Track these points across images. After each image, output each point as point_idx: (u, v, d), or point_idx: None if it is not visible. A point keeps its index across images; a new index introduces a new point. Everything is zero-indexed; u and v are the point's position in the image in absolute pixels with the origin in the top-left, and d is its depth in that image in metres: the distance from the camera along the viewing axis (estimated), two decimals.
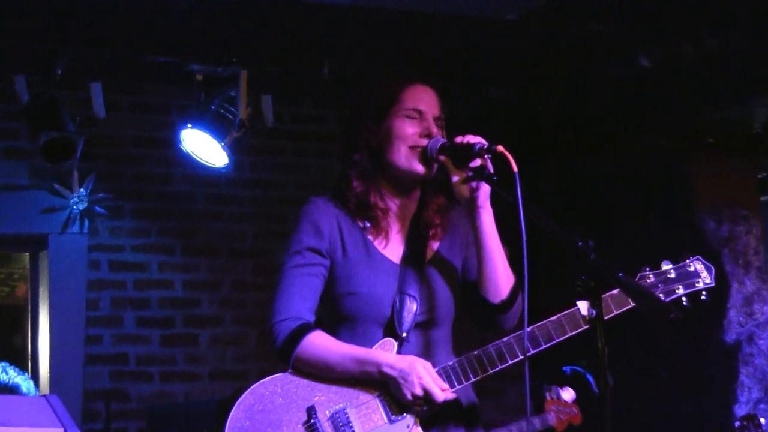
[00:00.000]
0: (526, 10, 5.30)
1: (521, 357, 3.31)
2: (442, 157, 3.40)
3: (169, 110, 6.74)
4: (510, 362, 3.34)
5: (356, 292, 3.42)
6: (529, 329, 3.27)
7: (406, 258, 3.50)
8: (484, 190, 3.37)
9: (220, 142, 5.95)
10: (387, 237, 3.51)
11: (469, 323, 3.55)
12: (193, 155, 6.12)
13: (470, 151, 3.31)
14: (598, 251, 2.96)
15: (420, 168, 3.44)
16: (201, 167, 6.22)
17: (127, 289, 6.64)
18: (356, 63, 6.00)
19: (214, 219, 6.88)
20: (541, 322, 3.36)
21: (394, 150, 3.46)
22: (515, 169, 3.13)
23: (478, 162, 3.32)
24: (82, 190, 6.41)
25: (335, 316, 3.47)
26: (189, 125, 5.99)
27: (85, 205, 6.43)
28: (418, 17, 5.38)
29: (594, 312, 2.92)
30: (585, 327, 3.31)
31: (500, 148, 3.24)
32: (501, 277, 3.43)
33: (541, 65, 6.04)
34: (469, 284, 3.53)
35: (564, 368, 4.77)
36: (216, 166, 6.16)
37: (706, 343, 6.40)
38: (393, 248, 3.51)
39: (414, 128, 3.46)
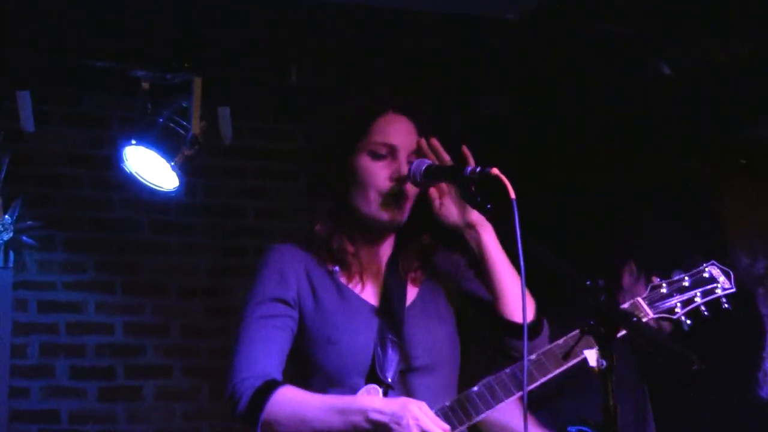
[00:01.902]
0: (528, 8, 5.31)
1: (529, 387, 3.36)
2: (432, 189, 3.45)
3: (109, 124, 6.75)
4: (516, 394, 3.38)
5: (335, 341, 3.43)
6: (534, 356, 3.38)
7: (385, 301, 3.51)
8: None
9: (169, 162, 5.92)
10: (361, 279, 3.54)
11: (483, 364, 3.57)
12: (137, 176, 6.09)
13: (460, 175, 3.31)
14: (609, 291, 2.94)
15: (391, 216, 3.46)
16: (146, 190, 6.18)
17: (59, 333, 6.63)
18: (329, 70, 6.00)
19: (161, 251, 6.87)
20: (547, 347, 3.44)
21: (360, 195, 3.48)
22: (512, 195, 3.11)
23: (469, 168, 3.30)
24: (6, 217, 6.39)
25: (309, 369, 3.47)
26: (133, 141, 5.96)
27: (11, 234, 6.41)
28: (401, 16, 5.38)
29: (604, 363, 2.88)
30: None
31: (495, 171, 3.23)
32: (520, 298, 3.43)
33: (545, 72, 6.05)
34: (482, 309, 3.54)
35: (569, 429, 4.76)
36: (164, 190, 6.13)
37: (738, 398, 6.38)
38: (369, 291, 3.54)
39: (384, 170, 3.46)
